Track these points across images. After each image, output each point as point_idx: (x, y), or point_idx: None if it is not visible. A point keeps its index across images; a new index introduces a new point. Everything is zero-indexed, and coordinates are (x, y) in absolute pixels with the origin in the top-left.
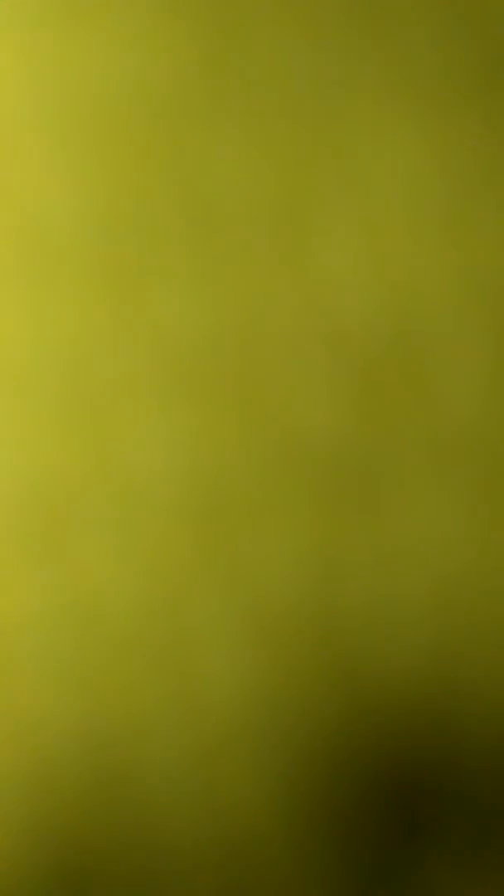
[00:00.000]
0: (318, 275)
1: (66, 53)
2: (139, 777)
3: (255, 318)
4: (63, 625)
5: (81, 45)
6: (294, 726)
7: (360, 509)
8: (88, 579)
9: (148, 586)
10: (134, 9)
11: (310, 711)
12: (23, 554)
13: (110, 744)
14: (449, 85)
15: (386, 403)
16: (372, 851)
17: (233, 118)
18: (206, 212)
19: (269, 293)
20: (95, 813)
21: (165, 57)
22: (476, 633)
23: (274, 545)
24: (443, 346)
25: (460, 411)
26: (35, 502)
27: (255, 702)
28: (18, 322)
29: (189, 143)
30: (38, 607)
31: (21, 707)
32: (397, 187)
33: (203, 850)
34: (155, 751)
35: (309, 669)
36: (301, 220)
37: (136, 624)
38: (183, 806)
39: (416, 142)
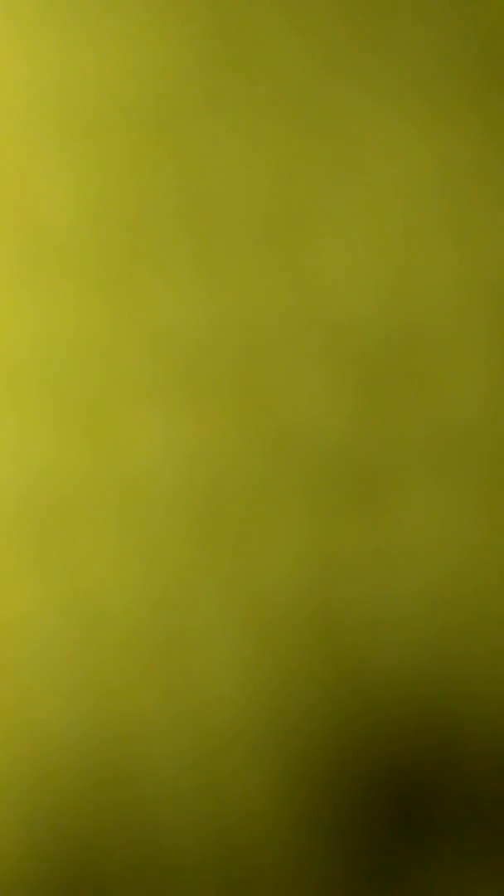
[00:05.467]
0: (318, 274)
1: (66, 54)
2: (139, 777)
3: (254, 317)
4: (63, 625)
5: (82, 46)
6: (294, 725)
7: (360, 508)
8: (88, 579)
9: (148, 586)
10: (134, 9)
11: (310, 710)
12: (23, 554)
13: (111, 743)
14: (449, 85)
15: (386, 402)
16: (372, 851)
17: (232, 119)
18: (206, 212)
19: (269, 293)
20: (95, 812)
21: (166, 57)
22: (476, 632)
23: (274, 544)
24: (443, 345)
25: (460, 410)
26: (35, 502)
27: (255, 701)
28: (18, 322)
29: (189, 143)
30: (38, 607)
31: (21, 706)
32: (397, 187)
33: (203, 850)
34: (155, 751)
35: (309, 668)
36: (301, 220)
37: (136, 623)
38: (183, 806)
39: (416, 142)
